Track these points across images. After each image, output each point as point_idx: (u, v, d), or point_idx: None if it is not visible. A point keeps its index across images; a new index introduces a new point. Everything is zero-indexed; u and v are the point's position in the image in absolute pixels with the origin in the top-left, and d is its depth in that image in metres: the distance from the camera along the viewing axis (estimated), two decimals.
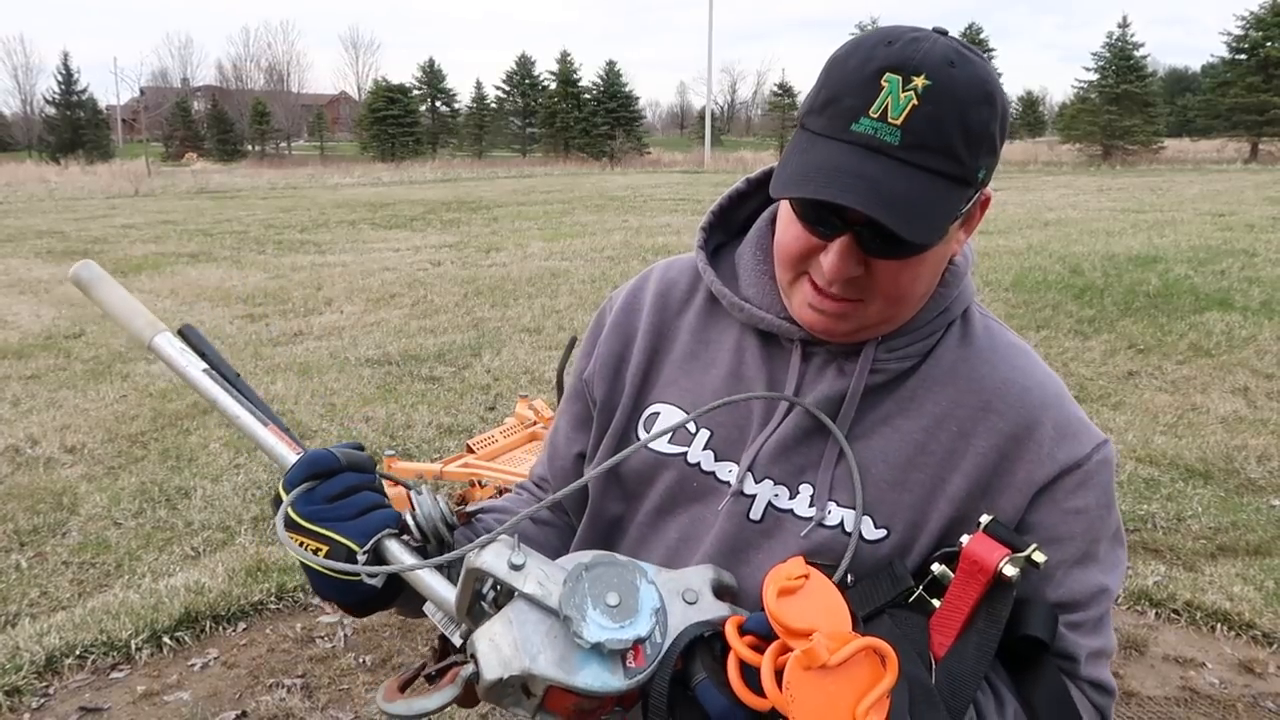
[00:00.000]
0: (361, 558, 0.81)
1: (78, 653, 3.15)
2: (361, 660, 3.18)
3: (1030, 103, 65.29)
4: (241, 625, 3.41)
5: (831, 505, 0.90)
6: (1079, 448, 0.91)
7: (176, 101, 62.70)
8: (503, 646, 0.75)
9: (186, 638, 3.30)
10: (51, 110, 55.57)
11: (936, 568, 0.83)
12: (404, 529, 0.87)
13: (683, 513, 0.97)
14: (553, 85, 55.51)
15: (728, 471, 0.96)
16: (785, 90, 54.70)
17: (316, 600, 3.56)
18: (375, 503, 0.86)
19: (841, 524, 0.90)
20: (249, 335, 8.14)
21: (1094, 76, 43.78)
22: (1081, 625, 0.90)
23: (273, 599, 3.55)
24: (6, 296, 10.20)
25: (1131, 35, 43.33)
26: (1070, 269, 10.46)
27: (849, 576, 0.86)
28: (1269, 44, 39.65)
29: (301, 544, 0.82)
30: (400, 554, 0.84)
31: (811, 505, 0.91)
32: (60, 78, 54.71)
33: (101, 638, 3.21)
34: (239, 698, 2.99)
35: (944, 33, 0.82)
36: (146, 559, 3.93)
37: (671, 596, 0.80)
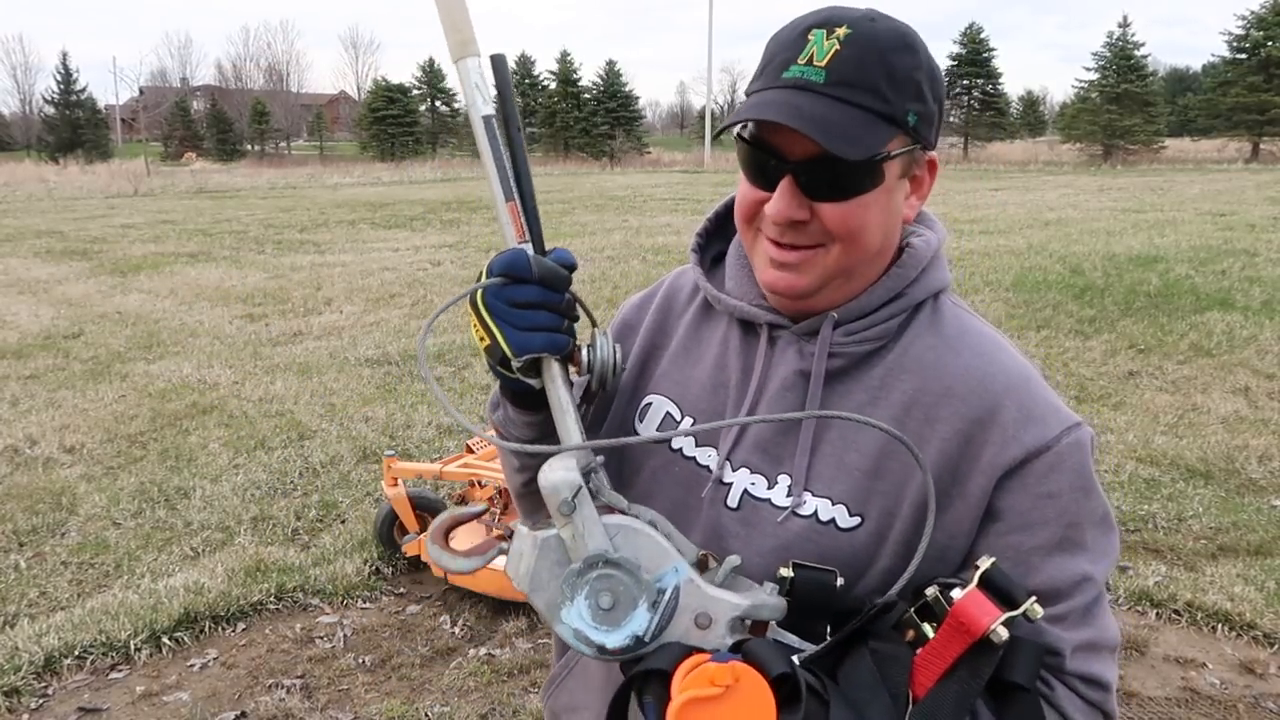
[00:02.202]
0: (516, 363, 0.89)
1: (77, 653, 3.15)
2: (361, 660, 3.17)
3: (1031, 102, 65.16)
4: (241, 626, 3.41)
5: (807, 495, 0.92)
6: (1045, 430, 0.89)
7: (176, 101, 62.65)
8: (520, 564, 0.84)
9: (186, 638, 3.29)
10: (50, 110, 55.55)
11: (930, 592, 0.81)
12: (574, 359, 0.93)
13: (665, 497, 1.01)
14: (552, 85, 55.50)
15: (707, 456, 0.99)
16: None
17: (315, 600, 3.56)
18: (550, 325, 0.89)
19: (815, 514, 0.92)
20: (248, 335, 8.14)
21: (1094, 76, 43.80)
22: (1065, 617, 0.88)
23: (272, 599, 3.54)
24: (5, 296, 10.19)
25: (1132, 35, 43.38)
26: (1071, 269, 10.46)
27: (839, 579, 0.85)
28: (1270, 43, 39.63)
29: (474, 326, 0.91)
30: (553, 376, 0.90)
31: (789, 495, 0.93)
32: (59, 77, 54.72)
33: (100, 638, 3.21)
34: (238, 698, 2.98)
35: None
36: (146, 559, 3.93)
37: (686, 612, 0.82)
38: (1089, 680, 0.89)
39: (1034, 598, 0.78)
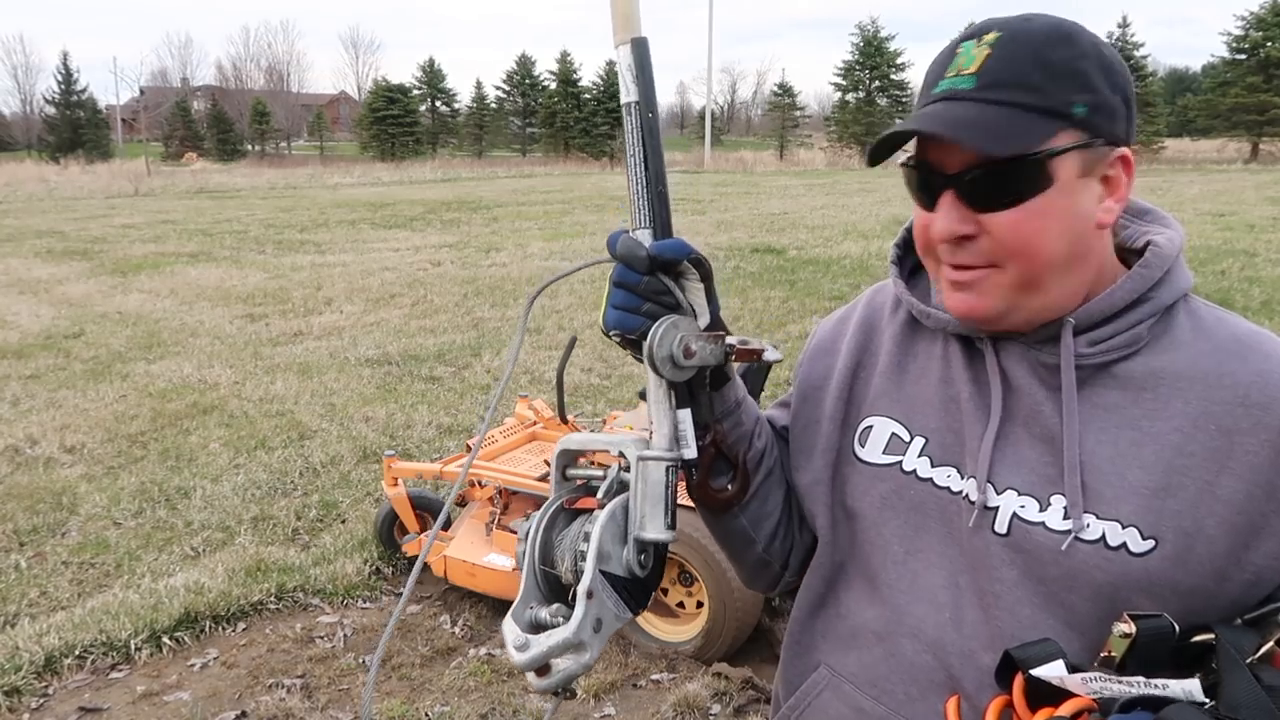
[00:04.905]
0: (614, 336, 0.94)
1: (77, 653, 3.15)
2: (361, 660, 3.18)
3: None
4: (241, 625, 3.41)
5: (1090, 518, 0.85)
6: None
7: (176, 101, 62.58)
8: (510, 633, 0.87)
9: (186, 638, 3.30)
10: (51, 110, 55.48)
11: None
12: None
13: (900, 522, 0.96)
14: (553, 85, 55.52)
15: (946, 476, 0.94)
16: (785, 90, 54.62)
17: (316, 600, 3.57)
18: (623, 304, 0.93)
19: (1104, 538, 0.84)
20: (249, 335, 8.14)
21: None
22: None
23: (272, 599, 3.54)
24: (6, 296, 10.20)
25: (1132, 35, 43.43)
26: None
27: (1125, 615, 0.80)
28: (1269, 44, 39.61)
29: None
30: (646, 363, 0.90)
31: (1066, 518, 0.86)
32: (60, 77, 54.67)
33: (101, 638, 3.21)
34: (239, 698, 2.99)
35: None
36: (146, 559, 3.93)
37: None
38: None
39: None
